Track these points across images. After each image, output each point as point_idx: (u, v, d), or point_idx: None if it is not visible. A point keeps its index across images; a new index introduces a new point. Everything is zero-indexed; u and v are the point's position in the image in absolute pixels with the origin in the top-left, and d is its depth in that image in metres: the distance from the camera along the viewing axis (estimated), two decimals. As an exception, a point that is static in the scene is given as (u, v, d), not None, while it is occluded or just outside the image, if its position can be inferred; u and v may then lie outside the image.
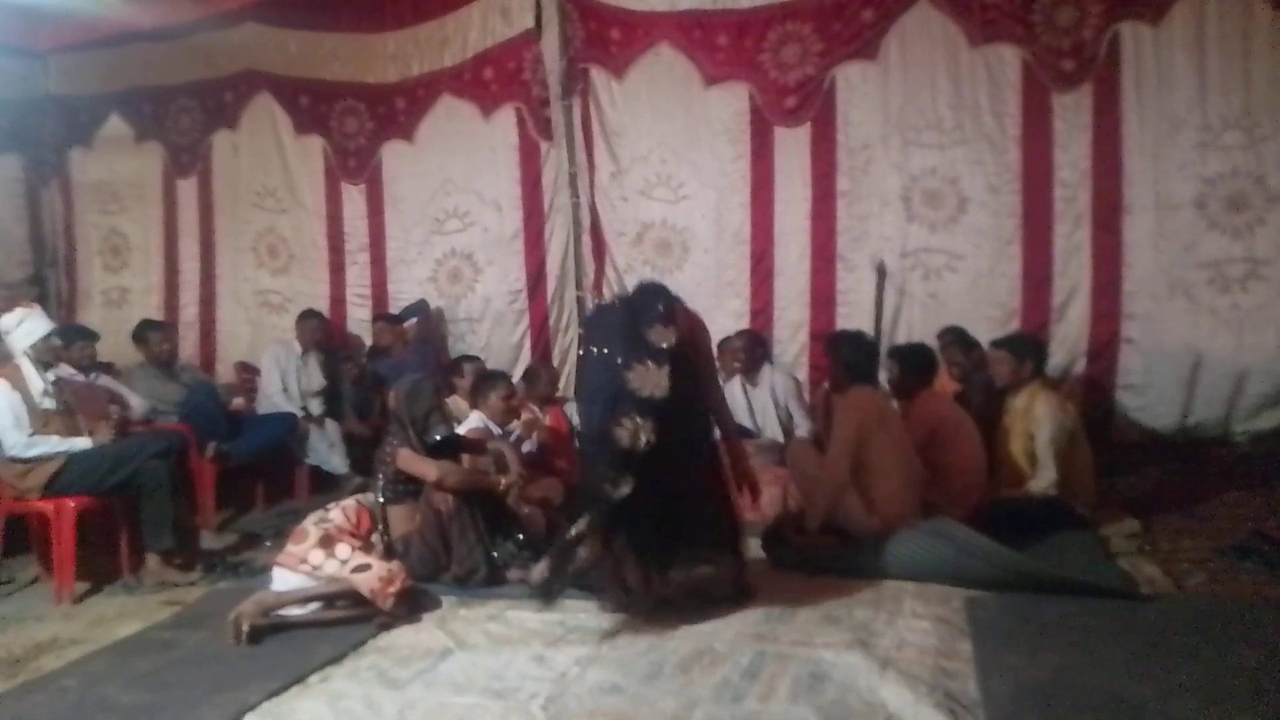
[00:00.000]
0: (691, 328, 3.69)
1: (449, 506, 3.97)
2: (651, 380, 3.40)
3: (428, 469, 4.00)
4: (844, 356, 4.36)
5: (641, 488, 3.34)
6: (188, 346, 7.48)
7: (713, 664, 3.05)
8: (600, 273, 6.77)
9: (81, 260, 7.89)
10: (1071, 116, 5.69)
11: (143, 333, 5.92)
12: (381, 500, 4.06)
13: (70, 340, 5.11)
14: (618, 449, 3.36)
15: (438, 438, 4.10)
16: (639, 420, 3.35)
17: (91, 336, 5.42)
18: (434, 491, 4.00)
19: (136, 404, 5.19)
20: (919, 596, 3.63)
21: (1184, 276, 5.56)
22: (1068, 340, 5.76)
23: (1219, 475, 5.15)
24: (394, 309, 7.08)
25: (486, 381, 5.13)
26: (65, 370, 4.81)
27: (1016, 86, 5.78)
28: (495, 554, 4.00)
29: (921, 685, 2.80)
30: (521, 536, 4.10)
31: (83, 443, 4.38)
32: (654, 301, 3.60)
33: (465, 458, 4.35)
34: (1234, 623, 3.23)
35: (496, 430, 4.92)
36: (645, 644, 3.26)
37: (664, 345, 3.47)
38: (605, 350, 3.62)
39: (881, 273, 5.96)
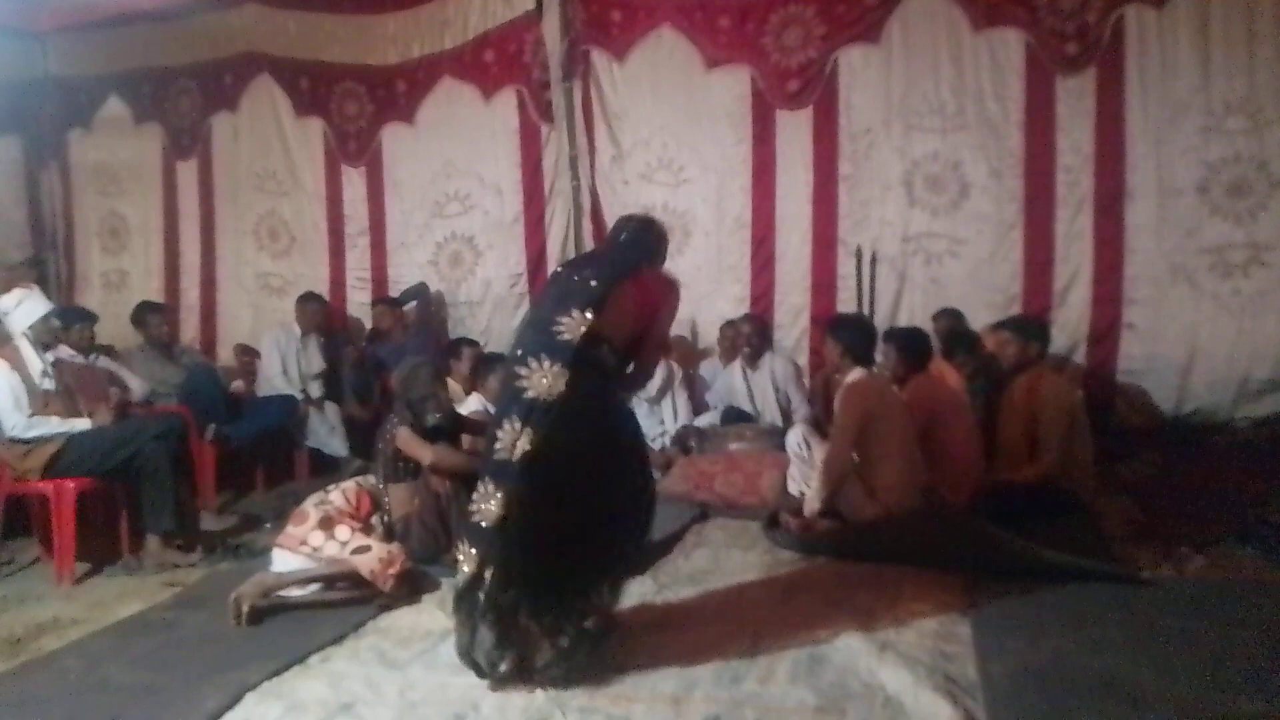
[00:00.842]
0: (643, 304, 3.02)
1: (446, 489, 3.98)
2: (540, 382, 2.81)
3: (423, 452, 4.00)
4: (845, 340, 4.34)
5: (523, 512, 2.76)
6: (189, 329, 7.49)
7: (712, 646, 3.05)
8: (601, 257, 6.75)
9: (80, 242, 7.87)
10: (1074, 101, 5.68)
11: (141, 315, 5.91)
12: (383, 479, 4.07)
13: (69, 322, 5.10)
14: (491, 458, 2.85)
15: (431, 423, 4.11)
16: (518, 426, 2.79)
17: (90, 318, 5.40)
18: (431, 474, 4.01)
19: (136, 386, 5.19)
20: (918, 580, 3.62)
21: (1186, 262, 5.56)
22: (1069, 325, 5.77)
23: (1219, 460, 5.15)
24: (394, 292, 7.07)
25: (485, 365, 5.13)
26: (64, 352, 4.80)
27: (1019, 71, 5.76)
28: None
29: (920, 668, 2.80)
30: None
31: (82, 424, 4.37)
32: (594, 274, 2.98)
33: (466, 439, 4.35)
34: (1232, 607, 3.23)
35: None
36: (646, 626, 3.26)
37: (567, 338, 2.85)
38: (521, 332, 3.18)
39: (860, 258, 5.93)
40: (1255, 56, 5.38)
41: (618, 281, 2.98)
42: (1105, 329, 5.72)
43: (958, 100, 5.88)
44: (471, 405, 4.93)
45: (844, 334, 4.38)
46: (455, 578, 2.84)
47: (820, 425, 5.18)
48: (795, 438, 4.48)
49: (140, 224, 7.74)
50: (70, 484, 4.22)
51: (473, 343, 6.05)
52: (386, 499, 4.04)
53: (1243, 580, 3.57)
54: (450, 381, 5.51)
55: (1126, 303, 5.69)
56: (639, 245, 3.22)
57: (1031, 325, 4.91)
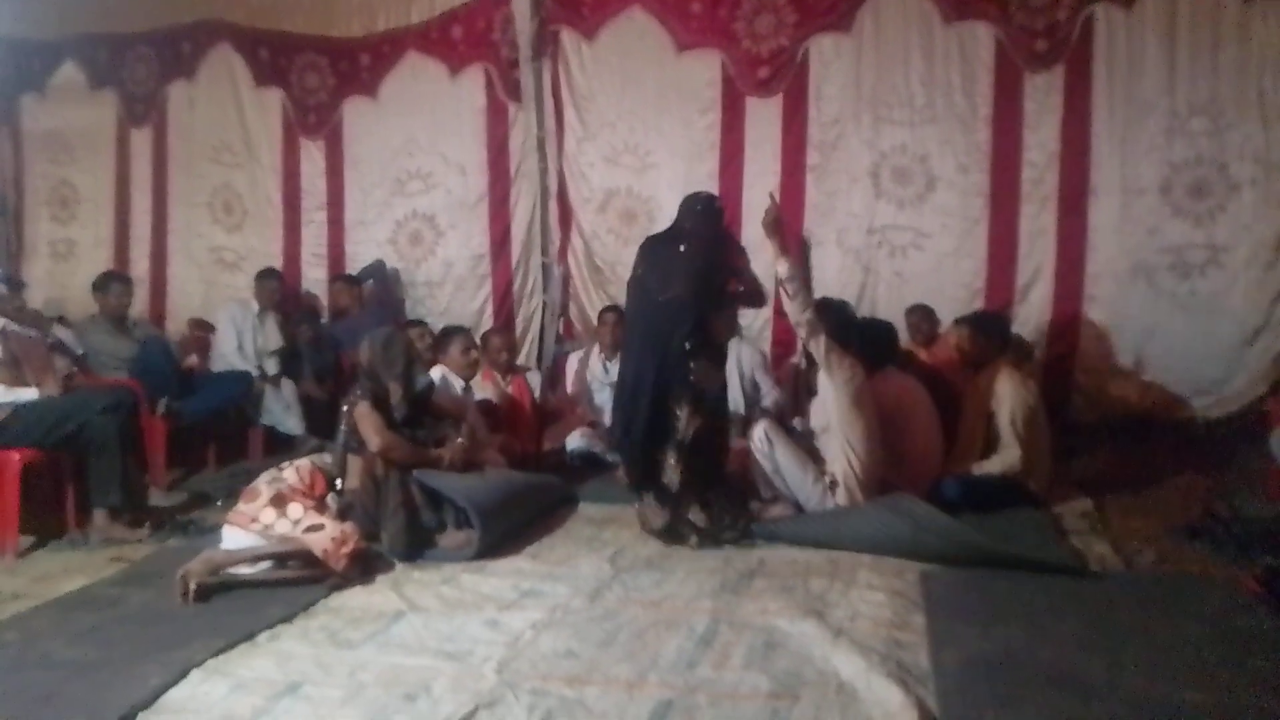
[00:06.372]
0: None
1: (382, 471, 3.92)
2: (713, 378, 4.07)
3: (372, 437, 3.92)
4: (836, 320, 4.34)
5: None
6: (138, 302, 7.21)
7: (667, 631, 3.04)
8: (566, 239, 6.69)
9: (28, 211, 7.64)
10: (1042, 98, 5.71)
11: (105, 283, 5.76)
12: (343, 449, 4.00)
13: (15, 289, 4.98)
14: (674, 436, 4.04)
15: (420, 387, 4.12)
16: (688, 411, 4.00)
17: (20, 286, 5.30)
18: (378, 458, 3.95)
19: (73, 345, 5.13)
20: (874, 569, 3.64)
21: (1146, 260, 5.62)
22: (1030, 321, 5.81)
23: (1172, 457, 5.23)
24: (351, 270, 6.95)
25: (446, 336, 5.12)
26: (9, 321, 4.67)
27: (989, 66, 5.78)
28: (424, 523, 3.95)
29: (874, 655, 2.81)
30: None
31: (29, 394, 4.26)
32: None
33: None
34: (1181, 600, 3.28)
35: (459, 383, 4.95)
36: (600, 610, 3.25)
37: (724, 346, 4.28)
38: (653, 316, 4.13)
39: (805, 245, 5.88)
40: (1219, 60, 5.43)
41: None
42: (1065, 325, 5.76)
43: (927, 93, 5.89)
44: (433, 376, 4.90)
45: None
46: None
47: (786, 415, 5.19)
48: (759, 433, 4.33)
49: (91, 193, 7.53)
50: (15, 455, 4.11)
51: (422, 324, 5.98)
52: (343, 468, 3.98)
53: (1190, 574, 3.63)
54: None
55: (1086, 299, 5.73)
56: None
57: (991, 322, 4.93)
